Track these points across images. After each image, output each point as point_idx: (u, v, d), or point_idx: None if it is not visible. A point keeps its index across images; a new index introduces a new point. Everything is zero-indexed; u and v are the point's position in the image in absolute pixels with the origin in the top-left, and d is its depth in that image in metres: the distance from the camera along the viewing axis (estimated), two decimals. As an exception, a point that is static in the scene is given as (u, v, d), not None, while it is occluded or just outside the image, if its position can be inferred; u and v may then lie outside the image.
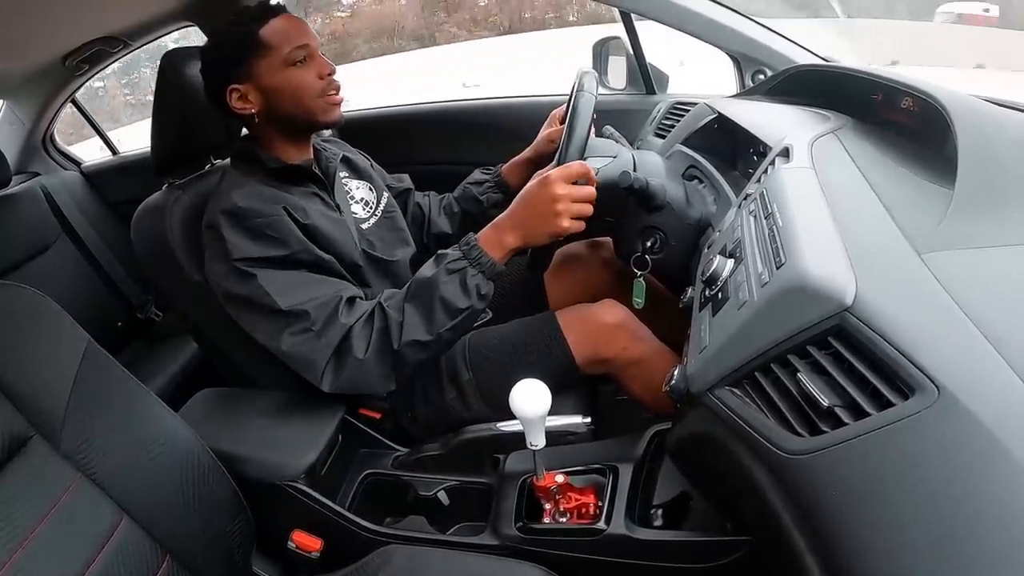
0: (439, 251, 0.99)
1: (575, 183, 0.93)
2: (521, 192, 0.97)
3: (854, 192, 0.68)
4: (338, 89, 1.07)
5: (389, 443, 1.10)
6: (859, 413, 0.46)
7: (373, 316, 0.96)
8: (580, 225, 0.95)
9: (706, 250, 0.89)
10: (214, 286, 1.00)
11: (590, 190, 0.94)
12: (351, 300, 0.98)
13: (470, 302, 0.95)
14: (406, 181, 1.40)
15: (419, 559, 0.86)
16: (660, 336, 1.11)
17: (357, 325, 0.95)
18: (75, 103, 2.10)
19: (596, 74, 1.08)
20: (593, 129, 1.03)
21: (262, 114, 1.04)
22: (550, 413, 0.77)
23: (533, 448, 0.81)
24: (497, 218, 0.98)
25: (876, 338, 0.47)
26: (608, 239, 1.33)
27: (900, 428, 0.43)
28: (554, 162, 1.06)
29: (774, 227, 0.65)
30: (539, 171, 1.15)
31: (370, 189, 1.26)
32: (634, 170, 1.04)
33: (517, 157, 1.37)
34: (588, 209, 0.94)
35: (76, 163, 2.19)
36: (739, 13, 1.42)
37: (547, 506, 0.91)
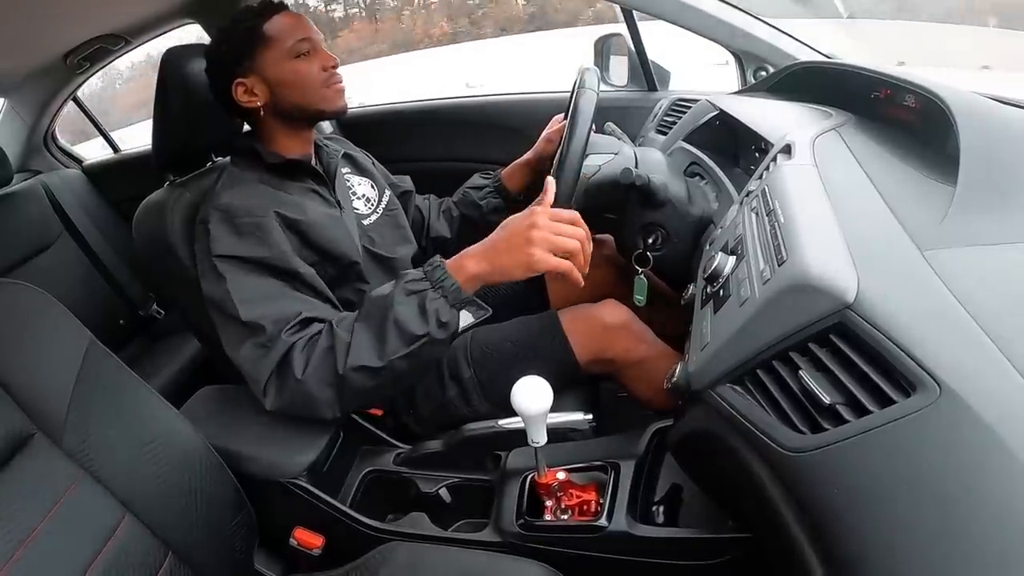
0: (402, 271, 0.92)
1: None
2: (504, 221, 0.91)
3: (856, 189, 0.68)
4: (341, 79, 1.08)
5: (390, 440, 1.10)
6: (860, 410, 0.46)
7: (319, 335, 0.90)
8: (559, 264, 0.85)
9: (708, 247, 0.89)
10: (201, 282, 1.00)
11: (579, 231, 0.87)
12: (308, 320, 0.92)
13: (427, 329, 0.86)
14: (407, 183, 1.40)
15: (420, 556, 0.86)
16: (661, 333, 1.11)
17: (299, 343, 0.89)
18: (76, 101, 2.10)
19: (598, 71, 1.08)
20: (594, 126, 1.03)
21: (267, 107, 1.05)
22: (551, 410, 0.77)
23: (534, 445, 0.81)
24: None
25: (878, 335, 0.47)
26: (609, 236, 1.33)
27: (901, 425, 0.43)
28: (556, 159, 1.06)
29: (776, 224, 0.64)
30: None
31: (372, 186, 1.26)
32: (636, 167, 1.04)
33: (517, 160, 1.37)
34: (571, 245, 0.85)
35: (78, 161, 2.20)
36: (740, 10, 1.41)
37: (548, 503, 0.91)
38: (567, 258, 0.86)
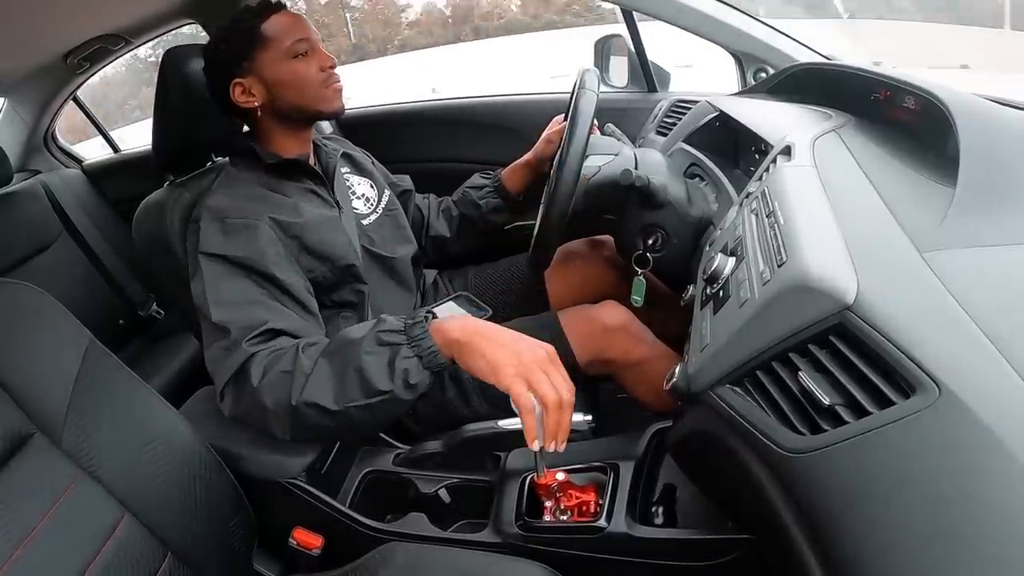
0: (382, 315, 0.87)
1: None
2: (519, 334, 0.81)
3: (856, 190, 0.68)
4: (339, 80, 1.08)
5: (390, 440, 1.10)
6: (860, 411, 0.46)
7: (283, 355, 0.85)
8: (523, 396, 0.73)
9: (707, 248, 0.89)
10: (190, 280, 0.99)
11: (566, 392, 0.74)
12: (275, 332, 0.89)
13: (392, 387, 0.79)
14: (407, 182, 1.40)
15: (420, 556, 0.86)
16: (661, 334, 1.11)
17: (260, 354, 0.85)
18: (76, 101, 2.10)
19: (598, 72, 1.08)
20: (595, 126, 1.03)
21: (265, 107, 1.05)
22: None
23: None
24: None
25: (877, 337, 0.47)
26: (609, 237, 1.33)
27: (900, 426, 0.43)
28: (556, 159, 1.06)
29: (775, 225, 0.64)
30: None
31: (371, 186, 1.26)
32: (636, 168, 1.04)
33: (517, 161, 1.37)
34: (546, 389, 0.73)
35: (78, 161, 2.19)
36: (740, 11, 1.41)
37: (548, 504, 0.91)
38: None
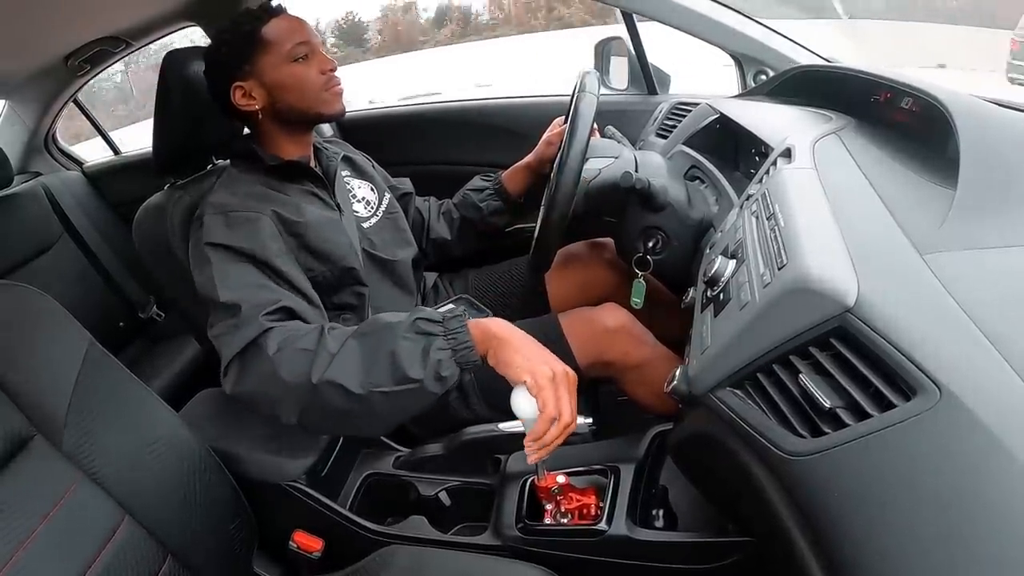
0: (420, 306, 0.88)
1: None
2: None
3: (856, 193, 0.68)
4: (339, 83, 1.08)
5: (390, 443, 1.10)
6: (861, 414, 0.46)
7: (302, 334, 0.83)
8: (548, 406, 0.75)
9: (708, 251, 0.89)
10: (193, 273, 0.98)
11: (571, 421, 0.77)
12: (290, 311, 0.89)
13: (422, 376, 0.78)
14: (407, 185, 1.40)
15: (420, 559, 0.86)
16: (661, 336, 1.11)
17: (277, 330, 0.84)
18: (77, 103, 2.11)
19: (598, 74, 1.08)
20: (596, 129, 1.03)
21: (266, 110, 1.05)
22: None
23: None
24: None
25: (878, 339, 0.47)
26: (609, 239, 1.33)
27: (901, 429, 0.43)
28: (556, 162, 1.06)
29: (776, 228, 0.64)
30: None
31: (372, 189, 1.26)
32: (636, 170, 1.04)
33: (518, 163, 1.37)
34: (565, 408, 0.76)
35: (78, 163, 2.20)
36: (740, 13, 1.42)
37: (548, 507, 0.91)
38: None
